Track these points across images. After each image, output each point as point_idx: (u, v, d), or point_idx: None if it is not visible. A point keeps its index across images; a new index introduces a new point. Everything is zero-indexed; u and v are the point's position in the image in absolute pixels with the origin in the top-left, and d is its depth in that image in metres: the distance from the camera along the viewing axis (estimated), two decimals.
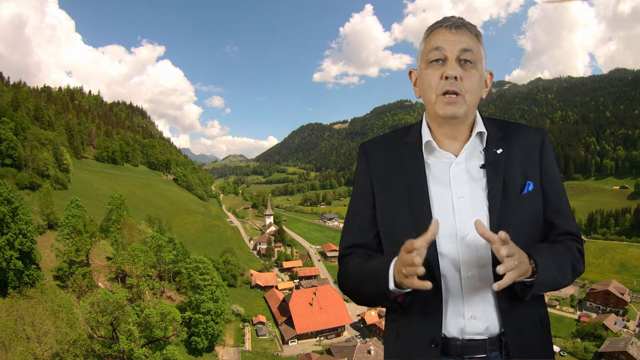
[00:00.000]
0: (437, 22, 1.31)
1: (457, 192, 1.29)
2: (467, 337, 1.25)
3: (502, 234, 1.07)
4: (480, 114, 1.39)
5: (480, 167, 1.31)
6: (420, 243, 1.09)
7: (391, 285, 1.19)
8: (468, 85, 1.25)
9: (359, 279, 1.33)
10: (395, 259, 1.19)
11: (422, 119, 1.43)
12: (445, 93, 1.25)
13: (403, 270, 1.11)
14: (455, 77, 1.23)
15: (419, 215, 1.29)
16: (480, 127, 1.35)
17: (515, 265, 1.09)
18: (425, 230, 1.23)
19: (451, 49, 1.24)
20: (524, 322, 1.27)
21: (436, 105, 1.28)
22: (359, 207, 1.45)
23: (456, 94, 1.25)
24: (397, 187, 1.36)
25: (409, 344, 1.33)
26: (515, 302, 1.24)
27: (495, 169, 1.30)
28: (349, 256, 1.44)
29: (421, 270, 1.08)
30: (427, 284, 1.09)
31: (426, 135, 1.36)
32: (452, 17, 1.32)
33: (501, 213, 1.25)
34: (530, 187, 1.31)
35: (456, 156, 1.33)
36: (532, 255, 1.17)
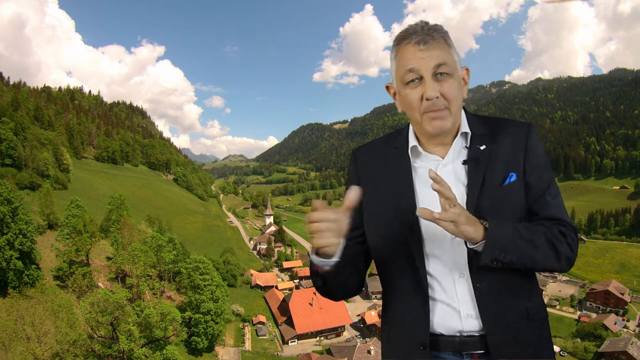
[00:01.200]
0: (403, 37, 1.25)
1: None
2: (465, 334, 1.25)
3: (431, 172, 1.09)
4: (465, 111, 1.38)
5: (462, 164, 1.31)
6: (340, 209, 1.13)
7: (312, 254, 1.21)
8: (450, 97, 1.24)
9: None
10: None
11: (409, 123, 1.43)
12: (430, 112, 1.24)
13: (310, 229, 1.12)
14: (437, 96, 1.22)
15: (405, 219, 1.30)
16: (464, 127, 1.35)
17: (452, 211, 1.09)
18: (413, 233, 1.27)
19: (425, 67, 1.21)
20: (507, 318, 1.24)
21: (423, 123, 1.26)
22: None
23: (440, 110, 1.24)
24: (384, 191, 1.36)
25: (399, 347, 1.34)
26: (497, 297, 1.23)
27: (476, 164, 1.30)
28: None
29: (315, 228, 1.10)
30: (324, 242, 1.11)
31: (412, 140, 1.36)
32: (416, 26, 1.26)
33: (478, 206, 1.23)
34: (513, 178, 1.30)
35: (442, 158, 1.33)
36: (484, 216, 1.16)
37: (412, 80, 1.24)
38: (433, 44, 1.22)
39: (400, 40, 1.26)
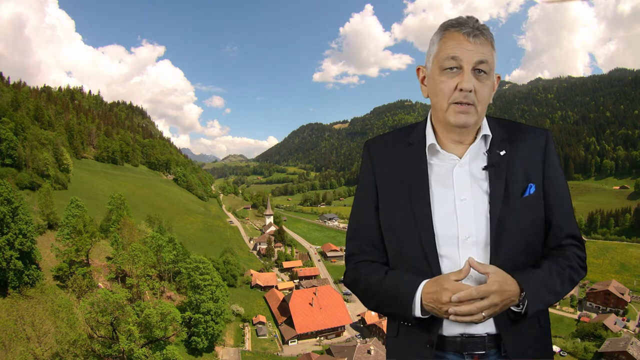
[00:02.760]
0: (454, 25, 1.29)
1: (460, 194, 1.30)
2: (467, 334, 1.28)
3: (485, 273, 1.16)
4: (486, 116, 1.39)
5: (483, 169, 1.32)
6: (455, 279, 1.17)
7: (418, 313, 1.23)
8: (481, 96, 1.27)
9: (374, 293, 1.36)
10: (422, 284, 1.23)
11: (426, 119, 1.44)
12: (459, 103, 1.27)
13: (445, 307, 1.16)
14: (470, 90, 1.25)
15: (419, 216, 1.31)
16: (485, 130, 1.36)
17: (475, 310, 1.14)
18: (425, 231, 1.29)
19: (468, 59, 1.24)
20: (521, 322, 1.26)
21: (448, 113, 1.29)
22: (364, 205, 1.48)
23: (469, 104, 1.27)
24: (400, 187, 1.37)
25: (407, 343, 1.36)
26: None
27: (497, 171, 1.31)
28: (356, 257, 1.46)
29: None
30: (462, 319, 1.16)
31: (430, 138, 1.37)
32: (469, 19, 1.30)
33: (502, 216, 1.26)
34: (532, 190, 1.31)
35: (460, 158, 1.34)
36: (523, 288, 1.19)
37: (451, 69, 1.26)
38: (482, 40, 1.26)
39: (449, 27, 1.29)
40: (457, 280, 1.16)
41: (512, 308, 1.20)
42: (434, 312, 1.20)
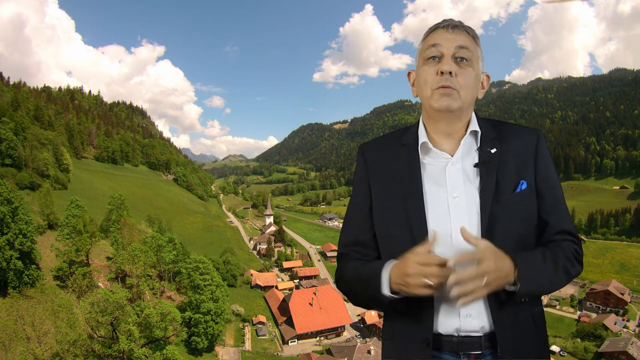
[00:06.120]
0: (437, 25, 1.35)
1: (453, 192, 1.30)
2: (463, 334, 1.27)
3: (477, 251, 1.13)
4: (476, 114, 1.41)
5: (474, 166, 1.32)
6: (422, 252, 1.15)
7: (385, 290, 1.23)
8: (463, 82, 1.28)
9: (353, 282, 1.38)
10: (391, 264, 1.24)
11: (419, 120, 1.46)
12: (441, 87, 1.28)
13: (409, 280, 1.15)
14: (450, 73, 1.26)
15: (412, 215, 1.31)
16: (474, 125, 1.37)
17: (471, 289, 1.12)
18: (418, 228, 1.29)
19: (447, 45, 1.29)
20: (515, 321, 1.27)
21: (431, 99, 1.31)
22: (357, 207, 1.48)
23: (451, 88, 1.28)
24: (393, 188, 1.38)
25: (403, 343, 1.35)
26: (507, 301, 1.25)
27: (488, 168, 1.31)
28: (347, 257, 1.48)
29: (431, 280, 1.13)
30: (427, 291, 1.14)
31: (422, 137, 1.38)
32: (451, 19, 1.35)
33: (493, 211, 1.26)
34: (524, 186, 1.32)
35: (452, 156, 1.34)
36: (516, 264, 1.18)
37: (433, 58, 1.31)
38: (461, 31, 1.31)
39: (433, 26, 1.36)
40: (426, 252, 1.16)
41: (506, 287, 1.19)
42: (402, 290, 1.19)
